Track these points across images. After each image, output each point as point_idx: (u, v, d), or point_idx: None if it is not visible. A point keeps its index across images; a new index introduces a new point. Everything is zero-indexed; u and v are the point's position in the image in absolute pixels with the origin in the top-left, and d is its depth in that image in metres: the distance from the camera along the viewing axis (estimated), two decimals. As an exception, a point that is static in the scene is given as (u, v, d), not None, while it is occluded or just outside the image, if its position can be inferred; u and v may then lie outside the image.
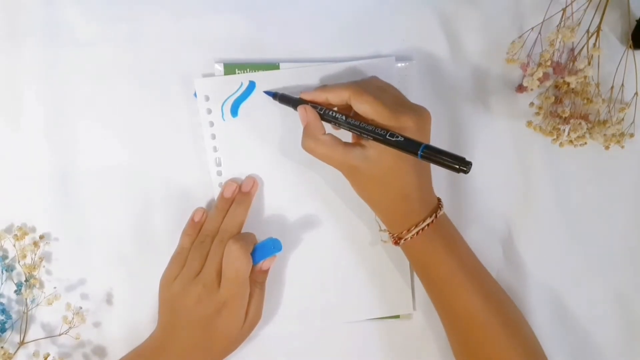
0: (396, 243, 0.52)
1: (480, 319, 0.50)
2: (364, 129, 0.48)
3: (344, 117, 0.50)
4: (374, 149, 0.48)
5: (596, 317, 0.58)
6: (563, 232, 0.58)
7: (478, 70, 0.58)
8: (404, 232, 0.50)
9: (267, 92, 0.55)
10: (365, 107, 0.49)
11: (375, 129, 0.48)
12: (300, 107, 0.52)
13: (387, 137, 0.47)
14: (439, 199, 0.52)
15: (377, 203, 0.52)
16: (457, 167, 0.44)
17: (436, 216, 0.50)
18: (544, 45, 0.56)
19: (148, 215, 0.57)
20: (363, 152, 0.49)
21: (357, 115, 0.50)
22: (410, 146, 0.46)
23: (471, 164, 0.44)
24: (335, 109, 0.52)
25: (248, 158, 0.56)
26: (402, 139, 0.47)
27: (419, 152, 0.45)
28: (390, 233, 0.53)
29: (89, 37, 0.57)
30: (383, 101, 0.49)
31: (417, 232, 0.50)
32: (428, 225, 0.50)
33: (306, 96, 0.52)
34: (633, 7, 0.57)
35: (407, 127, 0.48)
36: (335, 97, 0.51)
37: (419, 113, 0.49)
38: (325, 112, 0.51)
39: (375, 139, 0.48)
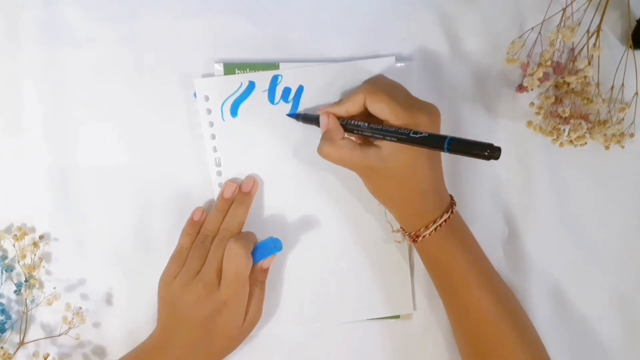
0: (414, 241, 0.52)
1: (491, 318, 0.50)
2: (387, 132, 0.48)
3: (366, 124, 0.50)
4: (389, 148, 0.49)
5: (596, 316, 0.58)
6: (563, 232, 0.58)
7: (478, 70, 0.58)
8: (422, 229, 0.51)
9: (290, 115, 0.56)
10: (380, 106, 0.49)
11: (398, 129, 0.48)
12: (322, 114, 0.52)
13: (410, 135, 0.47)
14: (451, 196, 0.53)
15: (393, 202, 0.52)
16: (487, 154, 0.43)
17: (452, 212, 0.51)
18: (544, 45, 0.56)
19: (148, 215, 0.57)
20: (379, 152, 0.49)
21: (371, 120, 0.50)
22: (435, 141, 0.46)
23: (500, 150, 0.43)
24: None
25: (248, 158, 0.56)
26: (427, 135, 0.47)
27: (444, 146, 0.45)
28: (404, 232, 0.53)
29: (89, 37, 0.57)
30: (397, 100, 0.49)
31: (435, 229, 0.50)
32: (445, 221, 0.50)
33: (323, 116, 0.53)
34: (633, 7, 0.57)
35: (421, 124, 0.48)
36: (354, 105, 0.51)
37: (430, 110, 0.50)
38: (347, 123, 0.52)
39: (399, 140, 0.48)
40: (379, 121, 0.50)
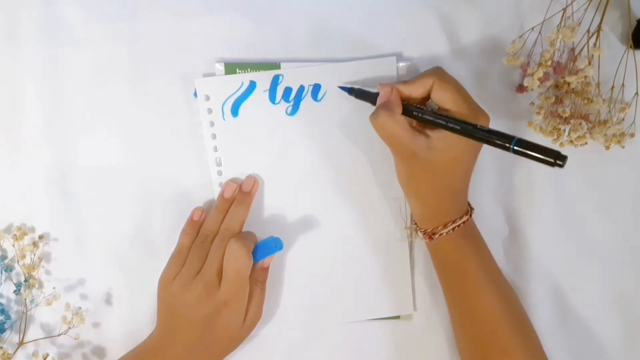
0: (430, 238, 0.52)
1: (498, 321, 0.50)
2: (452, 120, 0.47)
3: (429, 108, 0.49)
4: (439, 141, 0.48)
5: (596, 316, 0.58)
6: (563, 231, 0.58)
7: (478, 70, 0.58)
8: (440, 227, 0.51)
9: (343, 88, 0.55)
10: (446, 95, 0.49)
11: (464, 121, 0.47)
12: (385, 87, 0.50)
13: (477, 127, 0.46)
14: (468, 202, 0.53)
15: (422, 194, 0.51)
16: (553, 161, 0.42)
17: (470, 215, 0.52)
18: (544, 45, 0.56)
19: (148, 215, 0.57)
20: (427, 141, 0.49)
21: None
22: (502, 139, 0.45)
23: (567, 158, 0.42)
24: None
25: (248, 158, 0.56)
26: (495, 130, 0.46)
27: (511, 145, 0.44)
28: (418, 228, 0.53)
29: (89, 36, 0.57)
30: (462, 94, 0.49)
31: (453, 229, 0.50)
32: (464, 222, 0.51)
33: (386, 87, 0.51)
34: (633, 7, 0.57)
35: (479, 123, 0.48)
36: (419, 88, 0.50)
37: (485, 114, 0.50)
38: (407, 104, 0.50)
39: (463, 129, 0.47)
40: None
